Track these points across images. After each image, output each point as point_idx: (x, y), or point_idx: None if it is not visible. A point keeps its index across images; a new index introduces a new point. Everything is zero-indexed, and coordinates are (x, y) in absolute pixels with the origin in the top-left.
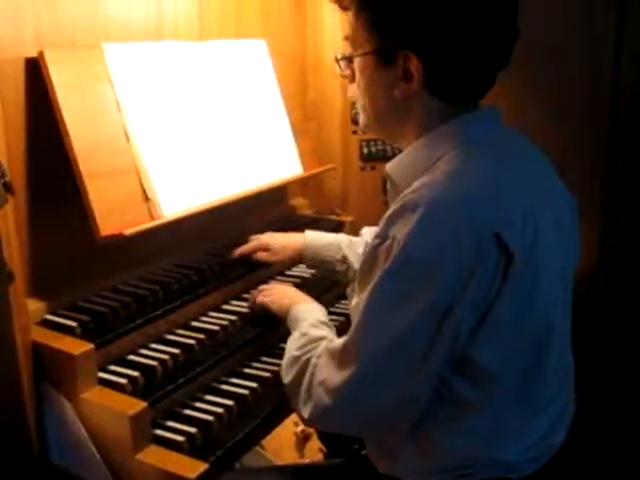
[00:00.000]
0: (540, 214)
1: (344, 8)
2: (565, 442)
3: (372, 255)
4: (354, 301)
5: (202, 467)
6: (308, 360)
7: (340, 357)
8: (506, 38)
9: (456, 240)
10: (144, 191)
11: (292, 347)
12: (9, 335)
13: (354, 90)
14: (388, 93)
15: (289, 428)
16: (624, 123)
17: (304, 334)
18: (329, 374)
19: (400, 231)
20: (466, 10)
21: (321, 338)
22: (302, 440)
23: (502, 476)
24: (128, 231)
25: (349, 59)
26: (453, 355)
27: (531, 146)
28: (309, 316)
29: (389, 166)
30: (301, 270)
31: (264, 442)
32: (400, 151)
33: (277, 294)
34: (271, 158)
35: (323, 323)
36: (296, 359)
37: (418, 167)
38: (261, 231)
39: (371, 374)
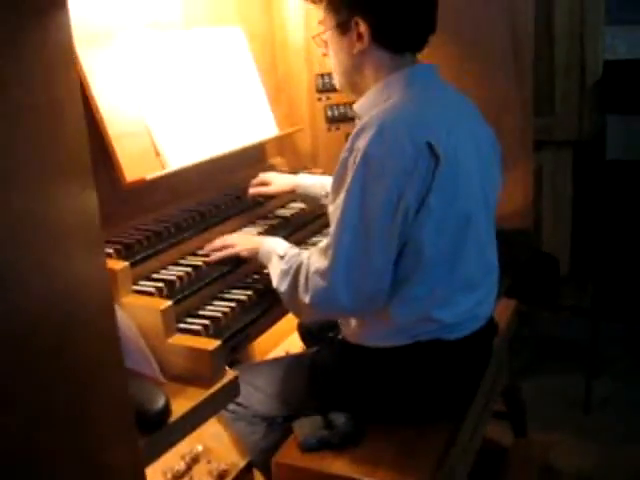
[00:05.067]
0: (461, 137)
1: (314, 2)
2: (489, 321)
3: (343, 165)
4: (331, 208)
5: (217, 343)
6: (299, 265)
7: (326, 249)
8: (427, 7)
9: (401, 145)
10: (155, 149)
11: (277, 267)
12: None
13: (330, 60)
14: (349, 52)
15: None
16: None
17: (282, 256)
18: (320, 263)
19: (362, 142)
20: None
21: (299, 253)
22: None
23: (439, 337)
24: (149, 176)
25: (321, 38)
26: (402, 235)
27: (460, 95)
28: (279, 245)
29: (356, 106)
30: (283, 212)
31: None
32: None
33: (241, 242)
34: (252, 122)
35: (292, 247)
36: (286, 271)
37: (375, 103)
38: (245, 185)
39: (353, 253)
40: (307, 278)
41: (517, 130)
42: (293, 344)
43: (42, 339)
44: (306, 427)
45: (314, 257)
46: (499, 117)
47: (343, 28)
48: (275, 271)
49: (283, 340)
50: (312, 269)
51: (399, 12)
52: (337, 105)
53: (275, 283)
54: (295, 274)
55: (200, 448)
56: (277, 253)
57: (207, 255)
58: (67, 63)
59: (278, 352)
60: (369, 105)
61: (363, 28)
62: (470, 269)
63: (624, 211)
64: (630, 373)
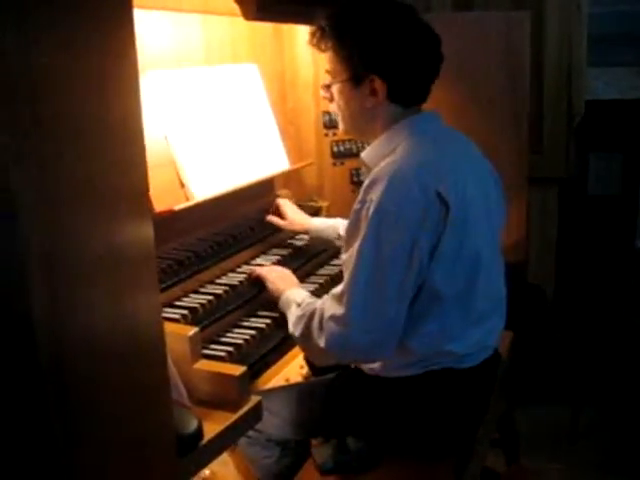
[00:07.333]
0: (468, 180)
1: (322, 51)
2: (495, 351)
3: (356, 216)
4: (344, 256)
5: (243, 369)
6: (312, 311)
7: (341, 296)
8: (435, 62)
9: (412, 196)
10: (179, 180)
11: (294, 313)
12: None
13: (334, 107)
14: (361, 105)
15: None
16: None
17: (300, 303)
18: (335, 309)
19: (374, 195)
20: (411, 47)
21: (314, 302)
22: None
23: (451, 366)
24: (177, 207)
25: (329, 86)
26: (417, 279)
27: (462, 136)
28: (298, 294)
29: (363, 154)
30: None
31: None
32: (364, 146)
33: (276, 278)
34: (267, 156)
35: (309, 297)
36: (301, 316)
37: (383, 152)
38: (255, 215)
39: (367, 300)
40: (321, 323)
41: (513, 168)
42: (293, 372)
43: (110, 355)
44: (324, 451)
45: (328, 303)
46: (497, 156)
47: (356, 81)
48: (292, 317)
49: (283, 369)
50: (327, 315)
51: (415, 72)
52: (342, 141)
53: (291, 328)
54: (309, 319)
55: (207, 472)
56: (295, 301)
57: (225, 284)
58: (134, 82)
59: (278, 380)
60: (376, 155)
61: (379, 86)
62: (482, 303)
63: (605, 243)
64: (615, 403)
